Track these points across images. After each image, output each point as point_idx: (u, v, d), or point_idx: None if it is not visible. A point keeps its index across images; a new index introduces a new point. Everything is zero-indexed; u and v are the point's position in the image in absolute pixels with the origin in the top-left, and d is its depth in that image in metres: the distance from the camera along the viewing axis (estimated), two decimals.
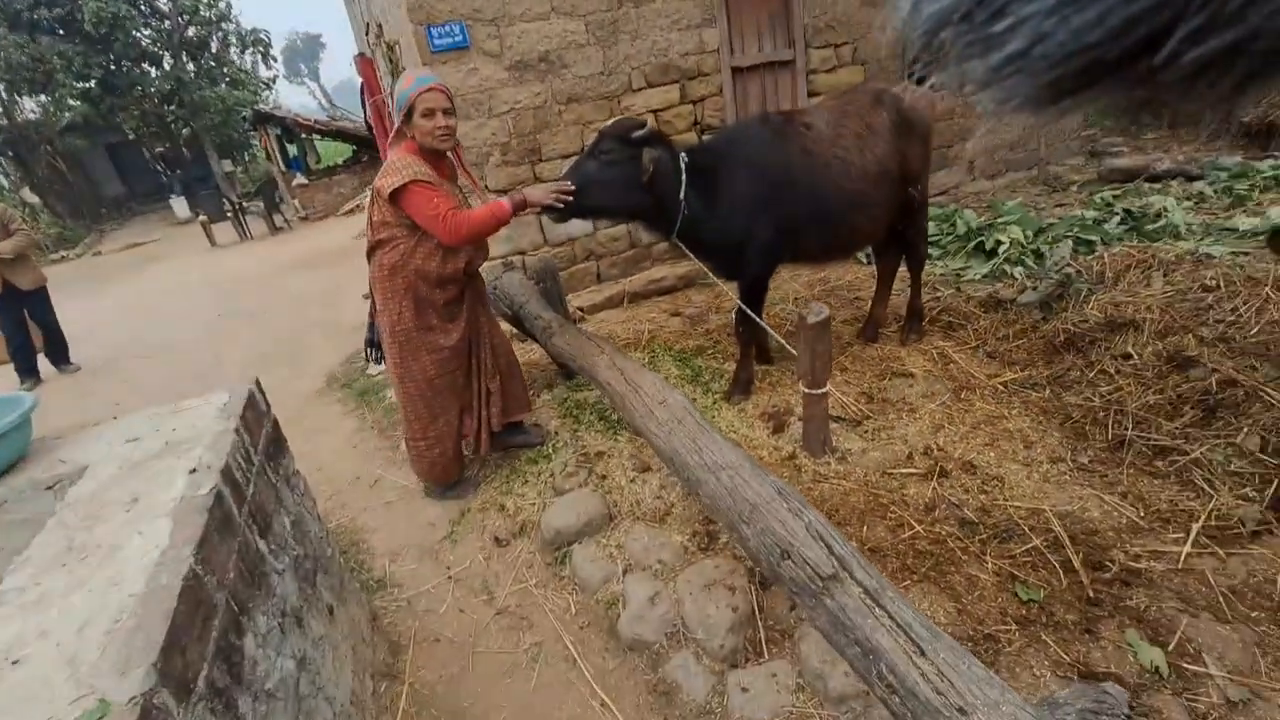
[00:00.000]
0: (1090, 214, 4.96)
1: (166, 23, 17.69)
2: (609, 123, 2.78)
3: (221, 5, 18.93)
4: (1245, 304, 2.80)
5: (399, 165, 2.46)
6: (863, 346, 3.76)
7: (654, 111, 4.77)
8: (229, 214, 13.05)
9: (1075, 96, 0.38)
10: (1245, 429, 2.34)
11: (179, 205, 17.43)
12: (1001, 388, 3.12)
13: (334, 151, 20.17)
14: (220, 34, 19.37)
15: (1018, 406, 2.97)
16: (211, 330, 6.89)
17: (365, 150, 15.47)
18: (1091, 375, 2.94)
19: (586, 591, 2.35)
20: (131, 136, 21.56)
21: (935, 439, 2.81)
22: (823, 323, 2.55)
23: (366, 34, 6.64)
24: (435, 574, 2.61)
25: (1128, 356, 2.89)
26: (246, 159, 23.12)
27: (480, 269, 2.89)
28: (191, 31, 18.15)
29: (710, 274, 3.13)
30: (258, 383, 1.96)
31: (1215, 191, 5.14)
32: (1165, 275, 3.18)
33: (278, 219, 13.32)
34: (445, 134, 2.50)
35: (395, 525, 2.97)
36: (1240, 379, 2.48)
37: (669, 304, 4.89)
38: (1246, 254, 3.85)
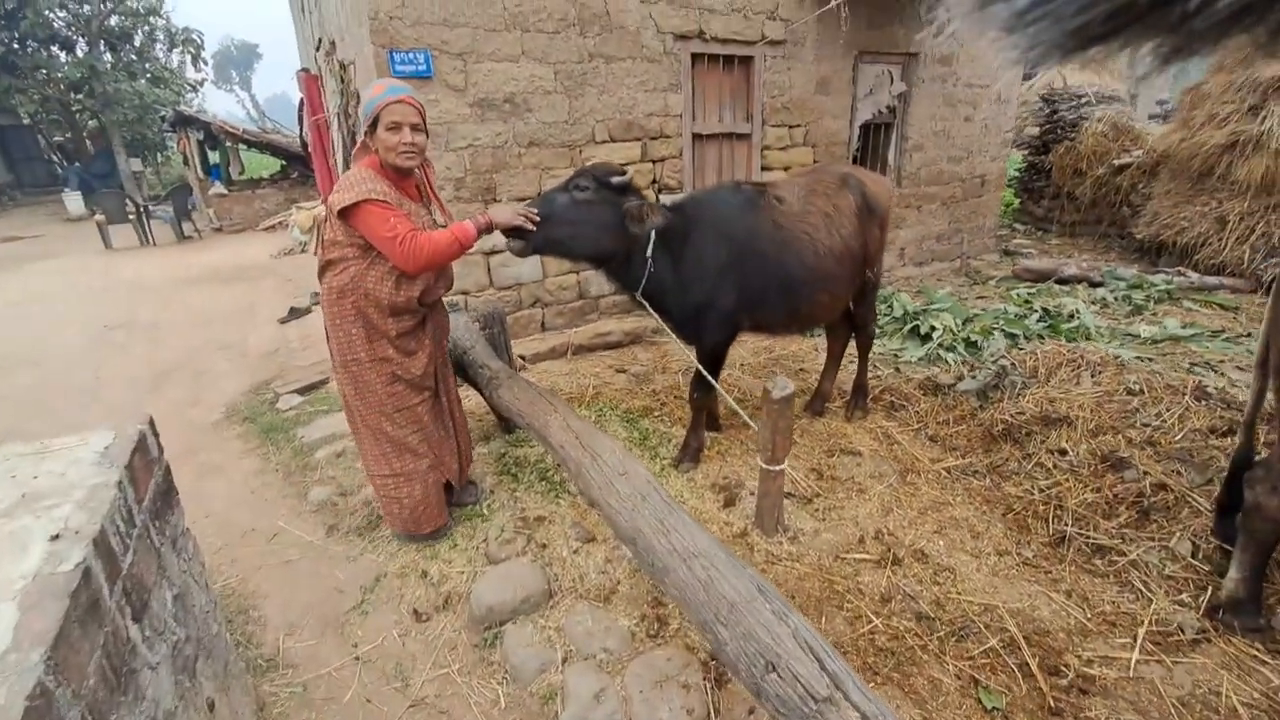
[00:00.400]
0: (1011, 308, 5.30)
1: (86, 7, 16.48)
2: (587, 164, 2.69)
3: None
4: (1168, 410, 2.98)
5: (354, 180, 2.25)
6: (810, 420, 3.76)
7: None
8: (131, 216, 11.95)
9: (1103, 42, 0.37)
10: (1177, 534, 2.44)
11: (72, 200, 15.84)
12: (945, 473, 3.15)
13: (261, 164, 19.14)
14: (147, 28, 18.22)
15: (960, 493, 3.00)
16: (95, 343, 6.11)
17: (296, 166, 14.76)
18: (1029, 467, 3.02)
19: (519, 682, 2.08)
20: (26, 121, 19.68)
21: (885, 522, 2.77)
22: (787, 398, 2.49)
23: (317, 49, 6.36)
24: (339, 653, 2.26)
25: (1063, 452, 2.99)
26: (159, 160, 21.51)
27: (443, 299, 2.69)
28: (114, 20, 16.96)
29: (670, 332, 3.03)
30: (151, 422, 1.64)
31: (1115, 298, 5.65)
32: (1093, 376, 3.37)
33: (187, 227, 12.33)
34: (409, 151, 2.30)
35: (295, 590, 2.58)
36: (1169, 483, 2.60)
37: (614, 359, 4.76)
38: (1150, 359, 4.20)
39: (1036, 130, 8.96)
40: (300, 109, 8.80)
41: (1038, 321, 4.97)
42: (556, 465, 3.14)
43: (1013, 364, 3.66)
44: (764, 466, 2.59)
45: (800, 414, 3.82)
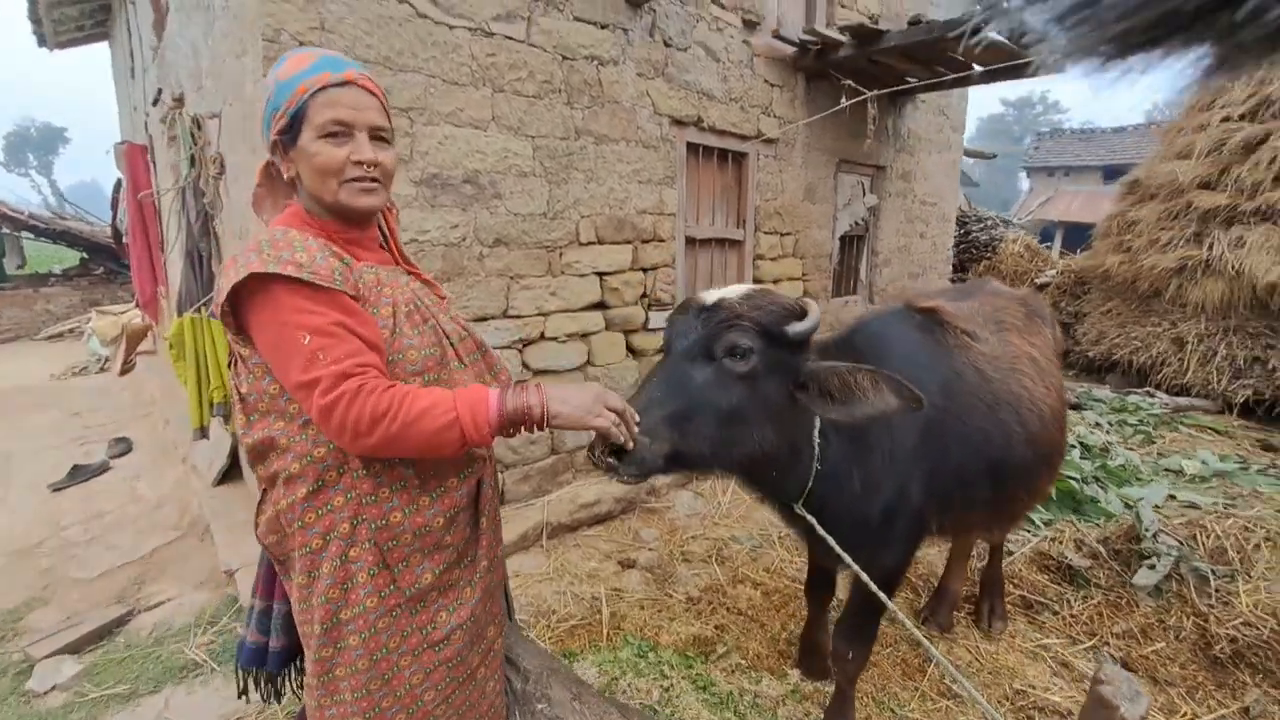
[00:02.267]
0: None
1: None
2: (730, 293, 1.42)
3: None
4: None
5: (258, 246, 1.04)
6: (937, 637, 2.58)
7: (601, 275, 3.55)
8: None
9: (1146, 50, 0.35)
10: None
11: None
12: None
13: (51, 257, 15.57)
14: None
15: None
16: None
17: (101, 260, 11.90)
18: None
19: None
20: None
21: None
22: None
23: (154, 105, 4.66)
24: None
25: None
26: None
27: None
28: None
29: (839, 557, 1.74)
30: None
31: (1112, 424, 5.27)
32: None
33: None
34: (366, 186, 1.12)
35: None
36: None
37: (610, 542, 3.32)
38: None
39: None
40: (116, 190, 6.75)
41: (1080, 458, 4.33)
42: None
43: (1180, 541, 2.79)
44: None
45: (917, 629, 2.63)
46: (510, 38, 2.98)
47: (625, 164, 3.55)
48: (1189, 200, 5.85)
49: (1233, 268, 5.41)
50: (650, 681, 2.23)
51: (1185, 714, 2.19)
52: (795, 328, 1.36)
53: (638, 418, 1.21)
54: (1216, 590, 2.57)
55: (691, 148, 3.98)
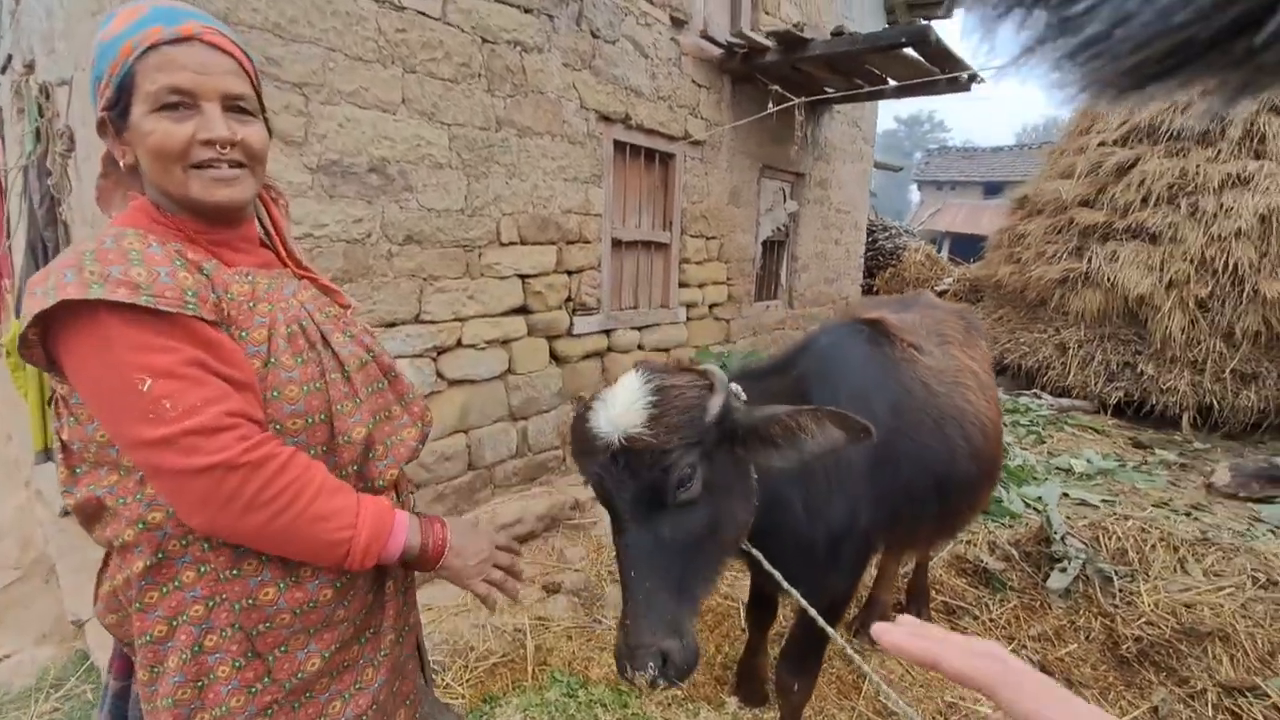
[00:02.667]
0: None
1: None
2: (630, 414, 1.14)
3: None
4: None
5: (83, 256, 0.78)
6: (872, 652, 2.57)
7: (524, 277, 3.32)
8: None
9: (1162, 81, 0.33)
10: None
11: None
12: None
13: None
14: None
15: None
16: None
17: None
18: (1215, 717, 2.17)
19: None
20: None
21: None
22: None
23: (3, 73, 3.95)
24: None
25: (1247, 689, 2.20)
26: None
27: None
28: None
29: (780, 586, 1.61)
30: None
31: (1005, 425, 5.61)
32: (1197, 560, 2.75)
33: None
34: (222, 175, 0.86)
35: None
36: None
37: (533, 565, 3.10)
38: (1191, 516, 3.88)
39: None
40: None
41: None
42: None
43: (1084, 543, 2.93)
44: None
45: (848, 640, 2.62)
46: (424, 13, 2.69)
47: (550, 159, 3.34)
48: (1071, 217, 6.35)
49: (1108, 280, 5.91)
50: (559, 711, 2.05)
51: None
52: (714, 407, 1.22)
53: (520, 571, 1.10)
54: (1120, 591, 2.71)
55: (619, 146, 3.82)
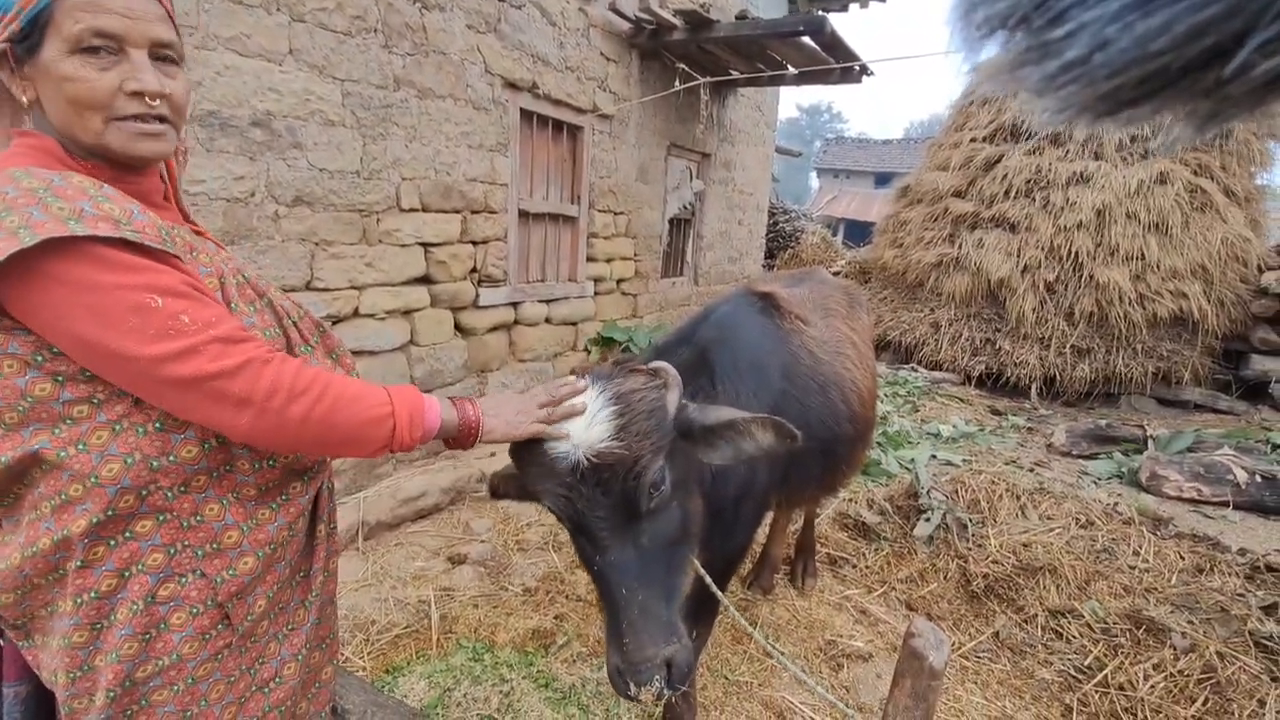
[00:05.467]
0: None
1: None
2: (597, 428, 1.13)
3: None
4: (1141, 547, 2.85)
5: (36, 191, 0.71)
6: (761, 600, 2.78)
7: (426, 246, 3.23)
8: None
9: (1136, 107, 0.36)
10: None
11: None
12: (964, 661, 2.49)
13: None
14: None
15: (996, 688, 2.36)
16: None
17: None
18: (1044, 637, 2.54)
19: None
20: None
21: None
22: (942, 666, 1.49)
23: None
24: None
25: (1067, 612, 2.60)
26: None
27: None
28: None
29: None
30: None
31: (885, 395, 6.12)
32: (1035, 508, 3.17)
33: None
34: (149, 128, 0.81)
35: None
36: (1225, 650, 2.33)
37: (438, 538, 3.07)
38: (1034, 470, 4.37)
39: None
40: None
41: None
42: None
43: (947, 497, 3.29)
44: None
45: (743, 593, 2.83)
46: None
47: (454, 124, 3.24)
48: (946, 206, 6.94)
49: (975, 264, 6.53)
50: (489, 688, 2.09)
51: (954, 644, 2.59)
52: (673, 406, 1.27)
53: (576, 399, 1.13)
54: (972, 536, 3.08)
55: (526, 115, 3.76)
